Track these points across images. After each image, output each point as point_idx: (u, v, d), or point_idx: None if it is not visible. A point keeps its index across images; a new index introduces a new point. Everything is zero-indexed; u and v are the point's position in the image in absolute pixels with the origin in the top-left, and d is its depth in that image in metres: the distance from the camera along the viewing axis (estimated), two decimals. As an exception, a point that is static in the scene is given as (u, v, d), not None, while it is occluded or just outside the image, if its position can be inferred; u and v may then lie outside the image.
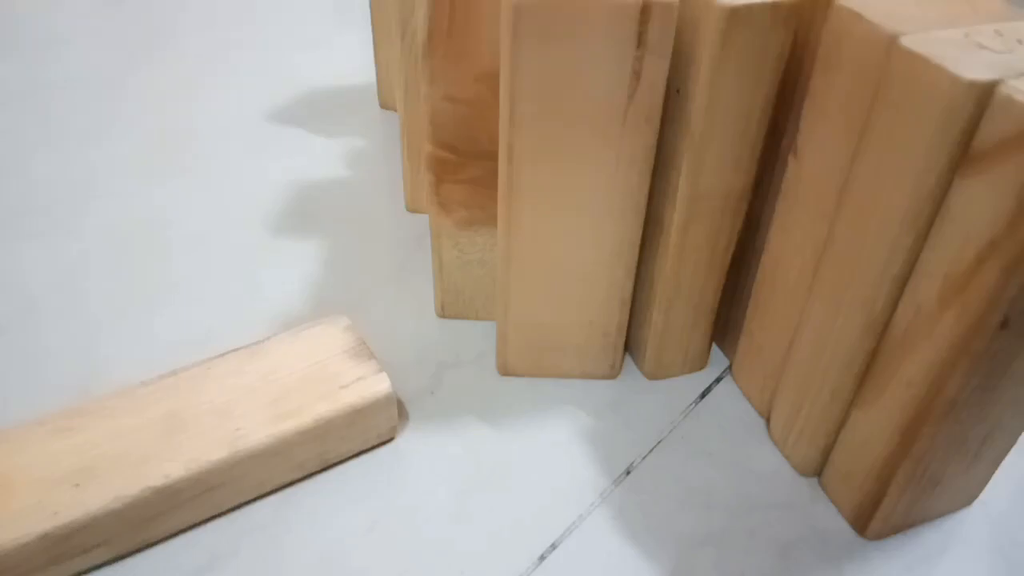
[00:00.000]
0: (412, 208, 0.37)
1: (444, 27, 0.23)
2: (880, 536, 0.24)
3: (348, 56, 0.49)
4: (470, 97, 0.24)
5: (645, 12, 0.20)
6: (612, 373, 0.29)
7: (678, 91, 0.22)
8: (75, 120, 0.43)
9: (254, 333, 0.29)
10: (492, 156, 0.26)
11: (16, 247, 0.35)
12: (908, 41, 0.18)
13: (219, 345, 0.27)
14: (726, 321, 0.29)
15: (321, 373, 0.26)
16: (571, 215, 0.24)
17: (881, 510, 0.23)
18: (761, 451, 0.27)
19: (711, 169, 0.24)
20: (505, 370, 0.29)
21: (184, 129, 0.42)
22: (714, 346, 0.30)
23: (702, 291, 0.27)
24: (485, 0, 0.23)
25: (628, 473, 0.27)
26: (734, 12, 0.20)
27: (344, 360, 0.26)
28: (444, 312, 0.31)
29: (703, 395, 0.29)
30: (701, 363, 0.30)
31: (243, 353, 0.27)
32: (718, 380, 0.29)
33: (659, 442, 0.28)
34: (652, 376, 0.29)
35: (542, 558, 0.24)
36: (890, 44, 0.18)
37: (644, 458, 0.27)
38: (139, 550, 0.24)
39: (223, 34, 0.52)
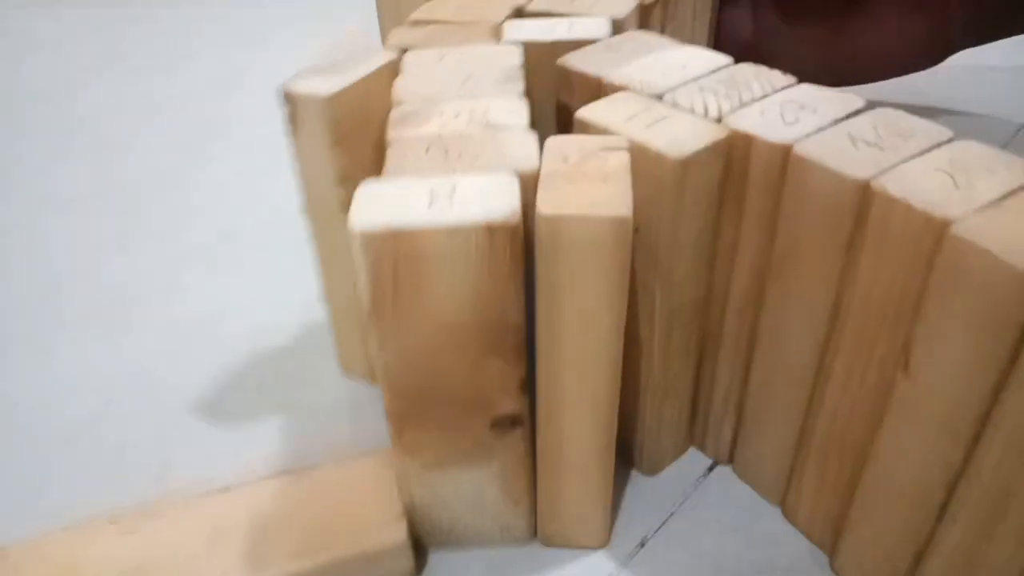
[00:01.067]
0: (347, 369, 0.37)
1: (389, 291, 0.22)
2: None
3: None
4: (429, 347, 0.24)
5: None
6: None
7: (637, 230, 0.26)
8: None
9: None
10: (456, 399, 0.25)
11: (92, 348, 0.39)
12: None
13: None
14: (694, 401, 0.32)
15: (352, 511, 0.28)
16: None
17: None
18: (771, 518, 0.30)
19: (678, 287, 0.27)
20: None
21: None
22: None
23: (683, 385, 0.31)
24: (431, 254, 0.22)
25: (642, 545, 0.30)
26: (685, 163, 0.24)
27: (374, 501, 0.28)
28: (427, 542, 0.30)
29: (711, 469, 0.32)
30: (687, 444, 0.33)
31: (289, 477, 0.30)
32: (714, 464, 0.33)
33: (671, 515, 0.31)
34: (652, 472, 0.32)
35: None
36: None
37: (657, 531, 0.30)
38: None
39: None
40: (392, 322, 0.23)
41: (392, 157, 0.24)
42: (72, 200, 0.52)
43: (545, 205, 0.22)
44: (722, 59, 0.30)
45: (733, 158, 0.26)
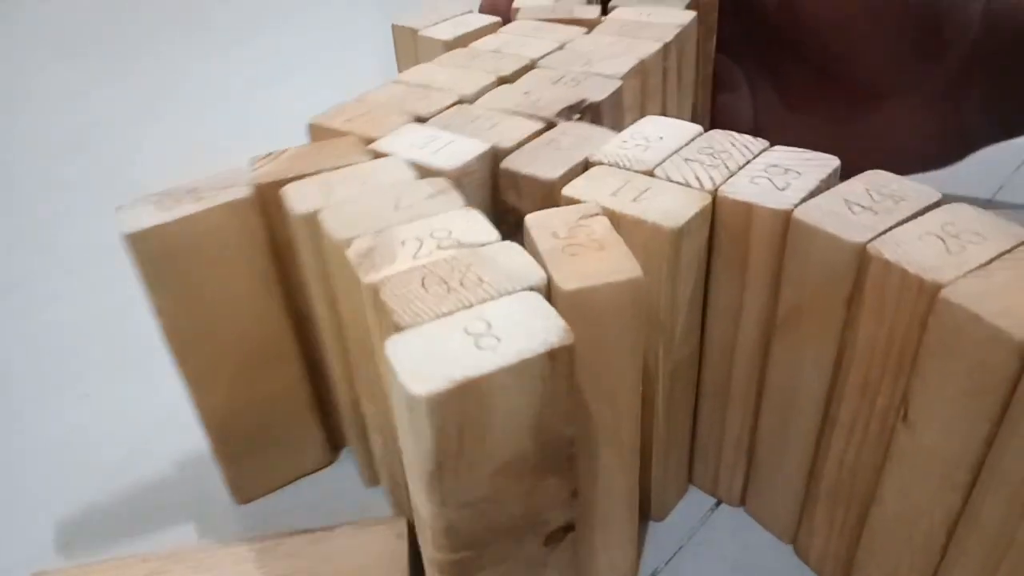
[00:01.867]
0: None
1: (454, 449, 0.20)
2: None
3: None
4: (487, 494, 0.22)
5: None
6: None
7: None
8: None
9: None
10: (512, 530, 0.24)
11: (127, 388, 0.41)
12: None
13: None
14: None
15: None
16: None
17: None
18: (781, 555, 0.31)
19: (678, 344, 0.29)
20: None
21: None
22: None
23: (684, 433, 0.32)
24: (497, 397, 0.20)
25: None
26: (680, 231, 0.26)
27: (381, 568, 0.29)
28: None
29: (715, 507, 0.34)
30: (687, 485, 0.34)
31: (309, 537, 0.30)
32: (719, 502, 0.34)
33: (680, 548, 0.32)
34: (659, 518, 0.33)
35: None
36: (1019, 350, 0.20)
37: (667, 563, 0.31)
38: None
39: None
40: (456, 479, 0.21)
41: (393, 303, 0.22)
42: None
43: (564, 282, 0.23)
44: (694, 128, 0.31)
45: (731, 224, 0.27)
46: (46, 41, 0.88)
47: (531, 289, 0.23)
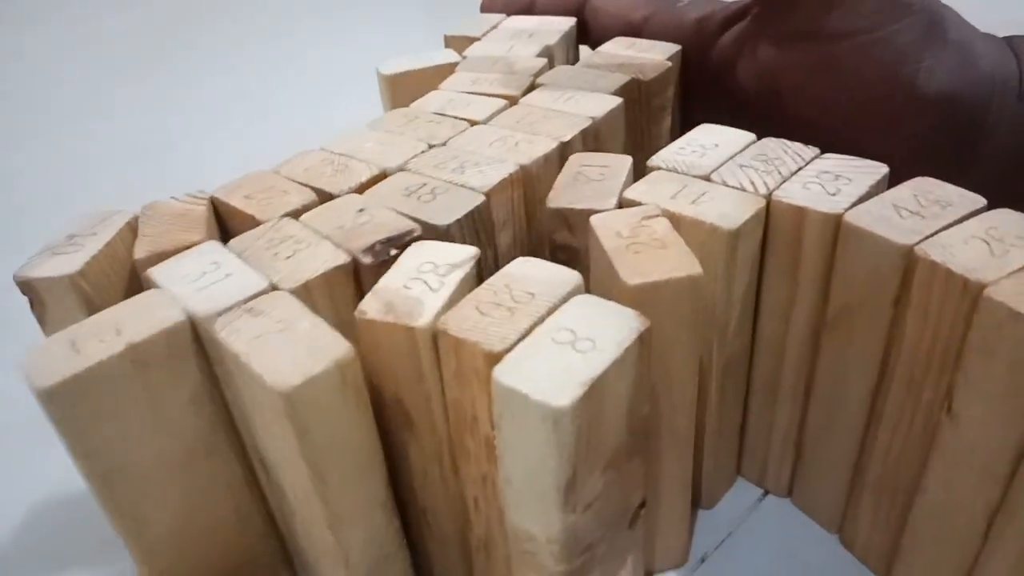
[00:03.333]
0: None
1: (583, 455, 0.22)
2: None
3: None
4: (600, 491, 0.24)
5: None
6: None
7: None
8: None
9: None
10: (613, 520, 0.25)
11: None
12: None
13: None
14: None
15: None
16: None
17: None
18: (827, 544, 0.33)
19: (731, 340, 0.30)
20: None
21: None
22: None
23: (734, 426, 0.34)
24: (608, 393, 0.22)
25: (703, 561, 0.33)
26: (737, 233, 0.28)
27: None
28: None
29: (762, 497, 0.35)
30: (736, 476, 0.36)
31: None
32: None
33: (729, 535, 0.33)
34: (710, 506, 0.35)
35: None
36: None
37: (716, 549, 0.33)
38: None
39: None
40: (583, 485, 0.22)
41: (473, 336, 0.23)
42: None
43: (630, 277, 0.25)
44: (747, 135, 0.33)
45: (784, 227, 0.29)
46: (120, 54, 0.92)
47: (575, 289, 0.24)
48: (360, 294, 0.27)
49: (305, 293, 0.26)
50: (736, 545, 0.33)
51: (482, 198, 0.30)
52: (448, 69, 0.43)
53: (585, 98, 0.37)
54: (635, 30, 0.45)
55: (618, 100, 0.37)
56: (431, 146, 0.35)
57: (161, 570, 0.28)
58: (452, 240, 0.29)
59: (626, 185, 0.31)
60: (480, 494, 0.27)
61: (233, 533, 0.29)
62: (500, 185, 0.31)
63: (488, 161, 0.33)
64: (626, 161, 0.32)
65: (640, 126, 0.40)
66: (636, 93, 0.39)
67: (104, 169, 0.68)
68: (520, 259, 0.26)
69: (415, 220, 0.29)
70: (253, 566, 0.31)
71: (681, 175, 0.31)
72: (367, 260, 0.27)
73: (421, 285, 0.25)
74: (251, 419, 0.26)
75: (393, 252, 0.27)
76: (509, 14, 0.49)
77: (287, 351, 0.23)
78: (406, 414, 0.27)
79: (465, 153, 0.34)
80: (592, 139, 0.36)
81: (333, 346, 0.23)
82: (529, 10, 0.49)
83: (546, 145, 0.34)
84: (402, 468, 0.28)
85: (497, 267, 0.26)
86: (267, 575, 0.31)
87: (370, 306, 0.25)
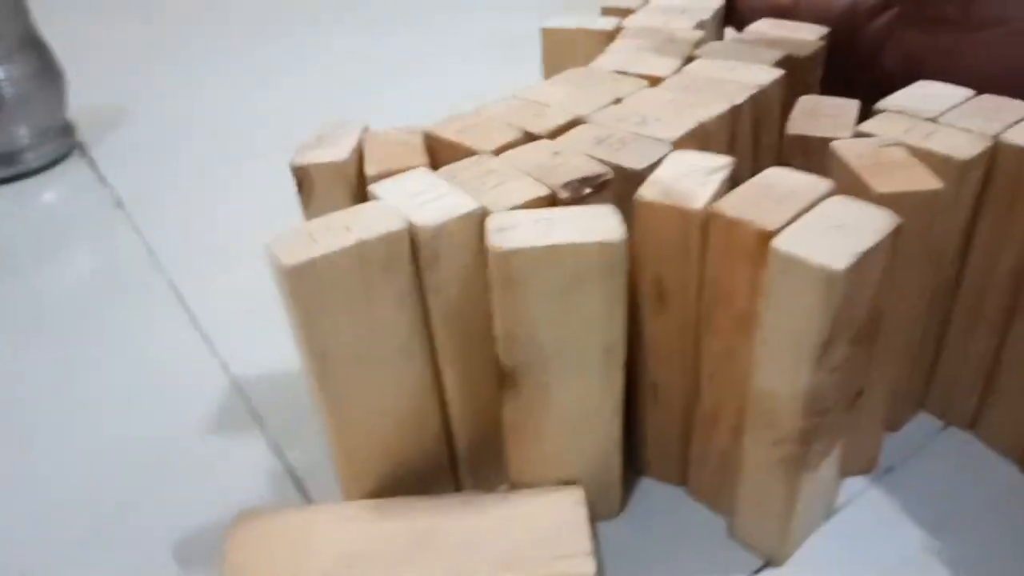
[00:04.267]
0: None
1: (843, 317, 0.26)
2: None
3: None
4: (841, 362, 0.28)
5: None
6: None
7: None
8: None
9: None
10: (841, 396, 0.29)
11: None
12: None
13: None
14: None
15: (545, 537, 0.30)
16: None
17: None
18: (1007, 474, 0.36)
19: (945, 267, 0.33)
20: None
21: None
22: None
23: (928, 352, 0.36)
24: (867, 265, 0.26)
25: (889, 471, 0.36)
26: (966, 164, 0.30)
27: (565, 532, 0.30)
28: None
29: (945, 427, 0.38)
30: (919, 409, 0.39)
31: (492, 497, 0.32)
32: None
33: (913, 455, 0.37)
34: (892, 429, 0.38)
35: None
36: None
37: (904, 462, 0.36)
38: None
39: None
40: (835, 346, 0.27)
41: (746, 215, 0.27)
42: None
43: (879, 186, 0.29)
44: (965, 91, 0.35)
45: (1006, 166, 0.32)
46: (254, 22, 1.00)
47: (830, 191, 0.28)
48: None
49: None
50: (919, 464, 0.36)
51: (670, 147, 0.32)
52: (606, 35, 0.45)
53: (747, 69, 0.39)
54: (784, 12, 0.47)
55: (780, 71, 0.39)
56: (616, 99, 0.37)
57: (348, 448, 0.32)
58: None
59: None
60: (718, 368, 0.31)
61: (412, 432, 0.33)
62: (683, 137, 0.33)
63: (668, 117, 0.35)
64: (855, 103, 0.36)
65: (791, 101, 0.40)
66: (790, 68, 0.40)
67: (323, 102, 0.76)
68: (772, 168, 0.30)
69: (609, 165, 0.32)
70: (424, 465, 0.34)
71: (910, 116, 0.34)
72: (565, 194, 0.30)
73: (689, 181, 0.30)
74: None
75: (587, 191, 0.30)
76: None
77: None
78: (661, 293, 0.31)
79: (645, 109, 0.36)
80: (760, 105, 0.37)
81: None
82: None
83: (720, 107, 0.35)
84: (640, 345, 0.33)
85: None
86: (435, 478, 0.35)
87: (648, 192, 0.29)
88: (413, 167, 0.33)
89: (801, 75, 0.41)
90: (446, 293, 0.30)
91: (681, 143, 0.33)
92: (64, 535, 0.36)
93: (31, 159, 0.66)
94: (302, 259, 0.27)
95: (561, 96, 0.38)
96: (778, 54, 0.41)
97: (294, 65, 0.86)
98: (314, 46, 0.91)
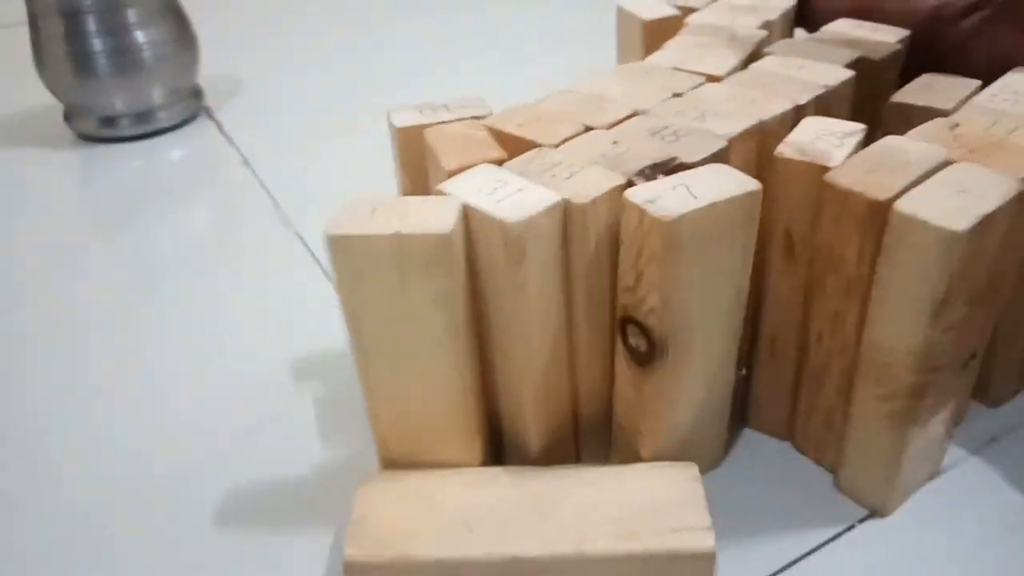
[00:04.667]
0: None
1: (961, 274, 0.28)
2: None
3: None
4: (958, 321, 0.29)
5: None
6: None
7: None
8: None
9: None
10: (957, 355, 0.30)
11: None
12: None
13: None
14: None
15: (664, 511, 0.30)
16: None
17: None
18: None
19: None
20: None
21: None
22: None
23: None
24: (990, 228, 0.28)
25: (993, 440, 0.37)
26: None
27: (683, 506, 0.31)
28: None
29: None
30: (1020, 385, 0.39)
31: (607, 470, 0.33)
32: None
33: (1015, 430, 0.37)
34: (995, 404, 0.38)
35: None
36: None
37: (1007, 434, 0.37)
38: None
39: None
40: (952, 306, 0.28)
41: (866, 184, 0.29)
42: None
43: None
44: None
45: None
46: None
47: (944, 162, 0.29)
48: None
49: (592, 208, 0.29)
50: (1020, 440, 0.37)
51: (724, 142, 0.32)
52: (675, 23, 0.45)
53: (816, 68, 0.38)
54: (864, 13, 0.46)
55: (850, 72, 0.37)
56: (675, 94, 0.36)
57: (377, 414, 0.33)
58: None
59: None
60: (826, 329, 0.33)
61: (441, 426, 0.33)
62: (741, 135, 0.33)
63: (728, 113, 0.34)
64: (975, 82, 0.37)
65: (863, 105, 0.39)
66: (864, 71, 0.39)
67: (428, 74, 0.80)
68: (889, 136, 0.32)
69: (662, 156, 0.32)
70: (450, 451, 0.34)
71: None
72: (640, 181, 0.30)
73: (824, 143, 0.32)
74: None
75: (660, 176, 0.30)
76: None
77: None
78: (791, 247, 0.33)
79: (705, 104, 0.35)
80: (825, 106, 0.36)
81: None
82: None
83: (782, 105, 0.34)
84: (762, 299, 0.34)
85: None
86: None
87: (787, 149, 0.31)
88: (491, 160, 0.33)
89: (875, 77, 0.40)
90: (531, 288, 0.30)
91: (738, 140, 0.33)
92: (194, 457, 0.39)
93: (163, 118, 0.71)
94: (344, 231, 0.28)
95: (619, 91, 0.38)
96: (851, 55, 0.40)
97: (403, 40, 0.90)
98: (422, 24, 0.95)
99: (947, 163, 0.30)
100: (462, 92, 0.38)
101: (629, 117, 0.35)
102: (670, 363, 0.31)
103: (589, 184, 0.30)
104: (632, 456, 0.34)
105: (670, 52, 0.41)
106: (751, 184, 0.29)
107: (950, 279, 0.27)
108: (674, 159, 0.31)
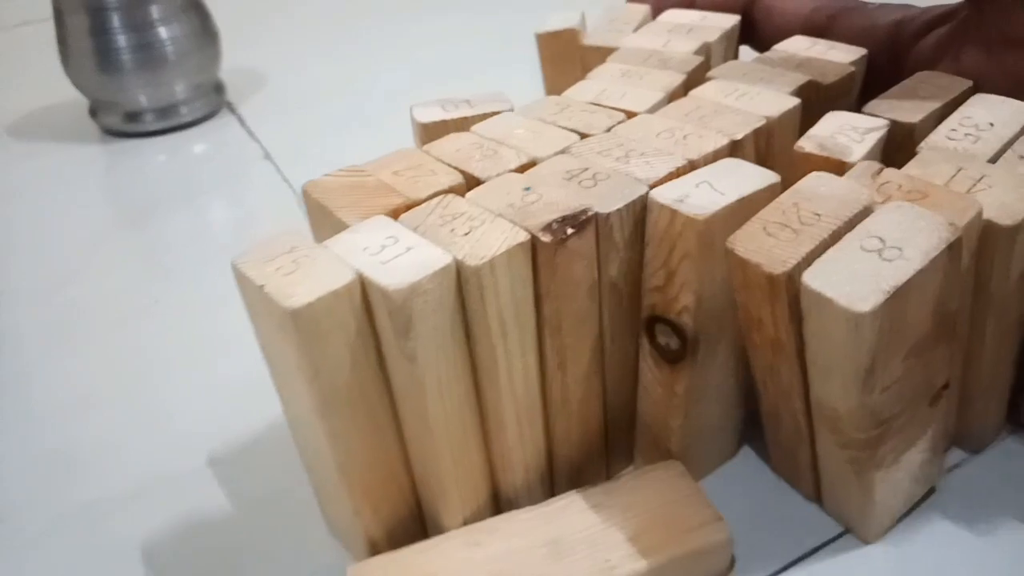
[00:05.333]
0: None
1: (884, 344, 0.25)
2: None
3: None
4: (900, 376, 0.27)
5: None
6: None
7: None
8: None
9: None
10: (913, 398, 0.28)
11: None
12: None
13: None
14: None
15: (671, 514, 0.29)
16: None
17: None
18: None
19: None
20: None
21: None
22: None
23: (1008, 371, 0.33)
24: (915, 284, 0.24)
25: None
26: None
27: (685, 504, 0.30)
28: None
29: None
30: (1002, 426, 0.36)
31: (601, 489, 0.31)
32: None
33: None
34: (977, 451, 0.35)
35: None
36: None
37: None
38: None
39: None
40: (882, 370, 0.26)
41: (754, 257, 0.26)
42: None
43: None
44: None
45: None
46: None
47: (864, 211, 0.26)
48: (535, 272, 0.27)
49: (489, 270, 0.26)
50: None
51: (645, 189, 0.29)
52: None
53: (759, 96, 0.34)
54: (817, 30, 0.41)
55: (795, 100, 0.34)
56: (582, 136, 0.33)
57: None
58: (610, 230, 0.28)
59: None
60: (767, 378, 0.31)
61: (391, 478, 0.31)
62: (667, 177, 0.30)
63: (655, 153, 0.31)
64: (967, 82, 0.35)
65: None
66: (814, 96, 0.36)
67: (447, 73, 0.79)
68: (814, 174, 0.29)
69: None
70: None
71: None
72: (546, 238, 0.27)
73: (845, 138, 0.31)
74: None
75: (569, 231, 0.27)
76: (664, 8, 0.45)
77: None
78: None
79: (631, 142, 0.32)
80: (764, 139, 0.33)
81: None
82: (690, 4, 0.45)
83: (716, 141, 0.31)
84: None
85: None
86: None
87: (807, 144, 0.31)
88: (389, 210, 0.30)
89: (826, 103, 0.36)
90: (422, 359, 0.27)
91: (663, 182, 0.30)
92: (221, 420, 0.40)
93: (185, 113, 0.72)
94: (241, 269, 0.27)
95: (522, 132, 0.34)
96: (799, 79, 0.36)
97: (420, 37, 0.89)
98: (445, 19, 0.93)
99: (867, 210, 0.27)
100: (485, 88, 0.38)
101: (522, 166, 0.32)
102: (700, 360, 0.30)
103: (489, 241, 0.27)
104: (660, 453, 0.34)
105: (591, 84, 0.38)
106: (771, 176, 0.28)
107: (871, 351, 0.25)
108: (586, 211, 0.28)
